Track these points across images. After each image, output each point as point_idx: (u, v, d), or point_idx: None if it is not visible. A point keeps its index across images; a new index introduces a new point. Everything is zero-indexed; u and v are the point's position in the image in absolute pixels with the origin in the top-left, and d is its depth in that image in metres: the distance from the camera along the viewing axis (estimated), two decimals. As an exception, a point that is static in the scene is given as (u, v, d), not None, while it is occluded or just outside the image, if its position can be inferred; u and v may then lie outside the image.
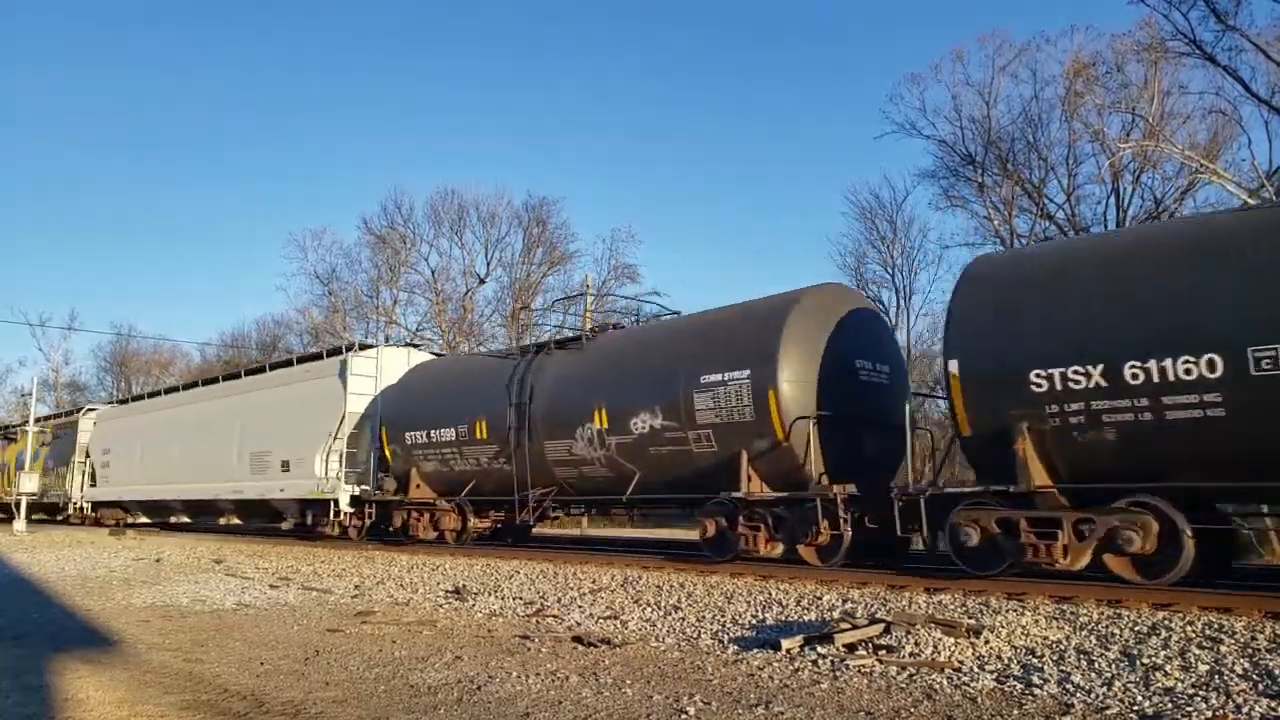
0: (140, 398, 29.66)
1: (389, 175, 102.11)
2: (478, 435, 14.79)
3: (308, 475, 18.12)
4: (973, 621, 6.81)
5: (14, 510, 29.29)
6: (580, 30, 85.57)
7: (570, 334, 15.49)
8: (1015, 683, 5.40)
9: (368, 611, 9.36)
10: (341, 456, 17.44)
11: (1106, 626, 6.61)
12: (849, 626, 6.82)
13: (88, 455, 28.80)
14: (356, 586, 11.57)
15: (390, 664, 6.59)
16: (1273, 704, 4.73)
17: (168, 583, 12.78)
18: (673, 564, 11.73)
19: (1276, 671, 5.24)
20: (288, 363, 21.34)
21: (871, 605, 7.98)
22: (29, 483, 29.30)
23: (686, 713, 4.97)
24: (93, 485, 28.27)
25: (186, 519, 28.13)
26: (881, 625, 6.73)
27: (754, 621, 7.76)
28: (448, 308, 43.38)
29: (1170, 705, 4.82)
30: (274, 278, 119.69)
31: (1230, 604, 7.09)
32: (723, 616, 8.02)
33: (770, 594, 8.85)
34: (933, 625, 6.61)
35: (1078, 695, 5.09)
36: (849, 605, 8.08)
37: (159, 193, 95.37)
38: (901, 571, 10.15)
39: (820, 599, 8.43)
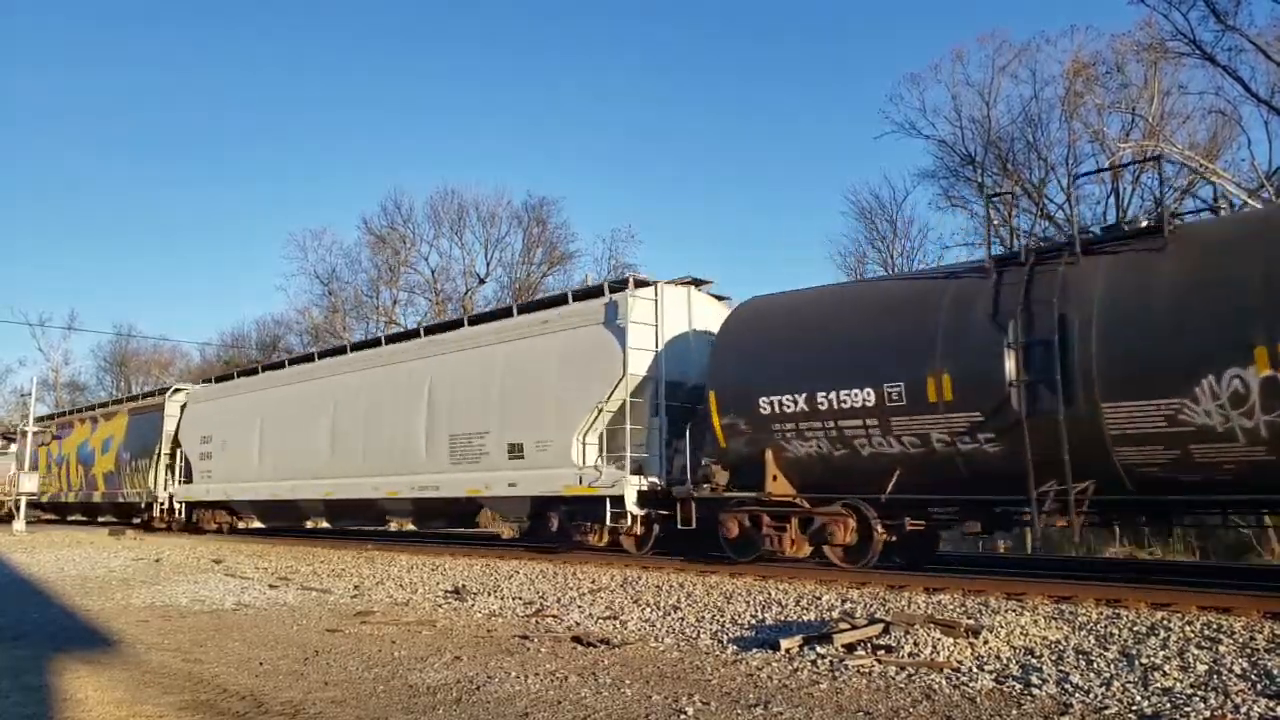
0: (251, 371, 23.16)
1: (389, 175, 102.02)
2: (930, 397, 9.49)
3: (560, 463, 13.22)
4: (972, 621, 6.82)
5: (14, 511, 28.96)
6: (580, 30, 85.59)
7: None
8: (1014, 683, 5.40)
9: (367, 611, 9.36)
10: (626, 437, 12.38)
11: (1105, 626, 6.62)
12: (848, 627, 6.82)
13: (177, 445, 23.82)
14: (356, 586, 11.57)
15: (389, 664, 6.59)
16: (1271, 704, 4.73)
17: (167, 583, 12.78)
18: (672, 564, 11.73)
19: (1275, 671, 5.25)
20: (506, 312, 15.66)
21: (871, 605, 7.98)
22: (28, 482, 28.89)
23: (685, 713, 4.97)
24: (186, 482, 23.40)
25: (326, 524, 21.62)
26: (880, 625, 6.73)
27: (753, 621, 7.77)
28: (448, 308, 43.34)
29: (1169, 705, 4.82)
30: (274, 278, 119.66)
31: (1229, 604, 7.10)
32: (722, 616, 8.03)
33: (769, 594, 8.86)
34: (932, 625, 6.61)
35: (1076, 695, 5.09)
36: (848, 605, 8.08)
37: (159, 193, 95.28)
38: (900, 571, 10.15)
39: (819, 599, 8.43)
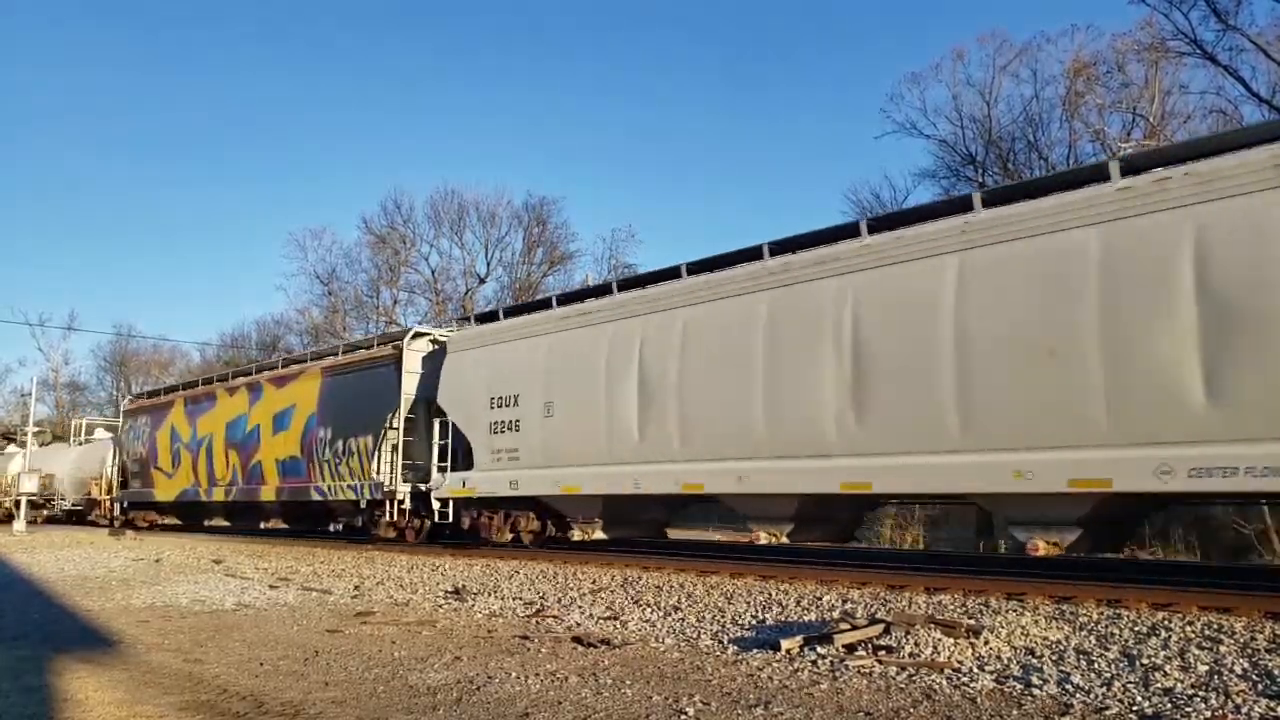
0: (599, 290, 13.94)
1: (389, 175, 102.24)
2: None
3: None
4: (972, 622, 6.81)
5: (14, 510, 28.66)
6: (580, 30, 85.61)
7: None
8: (1015, 683, 5.40)
9: (367, 612, 9.35)
10: None
11: (1106, 627, 6.61)
12: (849, 627, 6.82)
13: (440, 414, 15.49)
14: (356, 587, 11.56)
15: (390, 664, 6.59)
16: (1272, 704, 4.73)
17: (167, 583, 12.77)
18: (673, 564, 11.72)
19: (1276, 672, 5.24)
20: None
21: (871, 605, 7.98)
22: (29, 483, 28.50)
23: (685, 713, 4.97)
24: (459, 468, 15.10)
25: (784, 538, 11.11)
26: (881, 625, 6.73)
27: (754, 622, 7.76)
28: (448, 308, 43.39)
29: (1169, 705, 4.82)
30: (274, 278, 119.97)
31: (1230, 604, 7.09)
32: (722, 617, 8.02)
33: (770, 594, 8.85)
34: (932, 625, 6.61)
35: (1077, 695, 5.08)
36: (849, 605, 8.08)
37: (159, 193, 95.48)
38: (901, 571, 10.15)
39: (820, 599, 8.43)
